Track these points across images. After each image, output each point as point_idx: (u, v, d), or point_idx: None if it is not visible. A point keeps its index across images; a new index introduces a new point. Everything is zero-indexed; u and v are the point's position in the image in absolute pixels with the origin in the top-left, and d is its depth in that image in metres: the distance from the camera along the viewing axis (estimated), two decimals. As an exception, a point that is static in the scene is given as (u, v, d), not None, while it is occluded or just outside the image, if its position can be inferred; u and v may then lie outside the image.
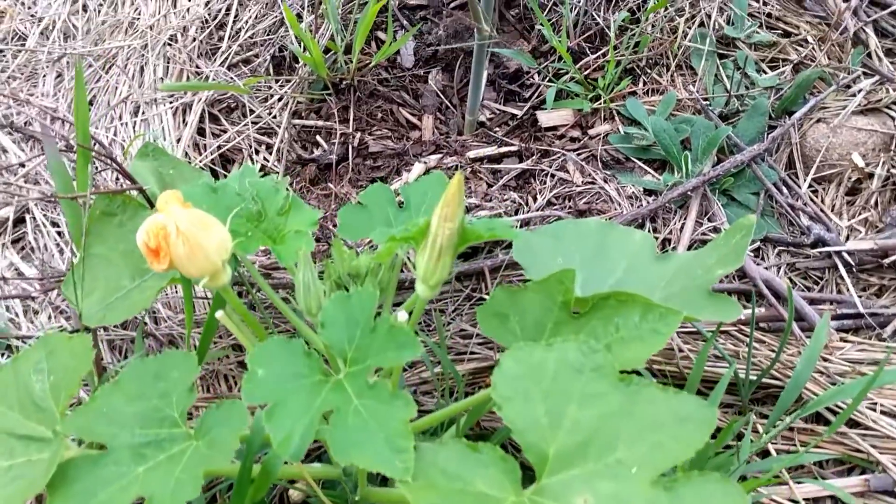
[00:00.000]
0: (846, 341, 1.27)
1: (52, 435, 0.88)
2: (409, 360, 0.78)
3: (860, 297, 1.32)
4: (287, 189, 1.05)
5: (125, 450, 0.82)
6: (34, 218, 1.51)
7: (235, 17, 1.77)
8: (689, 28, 1.69)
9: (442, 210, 0.84)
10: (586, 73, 1.66)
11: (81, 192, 1.08)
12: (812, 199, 1.47)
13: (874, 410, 1.18)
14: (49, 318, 1.37)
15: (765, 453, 1.18)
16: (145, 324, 1.32)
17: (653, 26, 1.70)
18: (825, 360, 1.23)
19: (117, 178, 1.47)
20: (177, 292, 1.36)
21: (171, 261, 0.83)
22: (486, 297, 1.33)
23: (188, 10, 1.75)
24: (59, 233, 1.48)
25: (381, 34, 1.77)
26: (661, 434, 0.75)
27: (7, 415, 0.92)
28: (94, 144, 1.13)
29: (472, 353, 1.28)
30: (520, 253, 1.09)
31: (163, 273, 0.88)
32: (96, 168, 1.48)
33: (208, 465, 0.78)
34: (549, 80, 1.66)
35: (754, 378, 1.20)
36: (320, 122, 1.65)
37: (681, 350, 1.24)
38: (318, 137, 1.64)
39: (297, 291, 0.92)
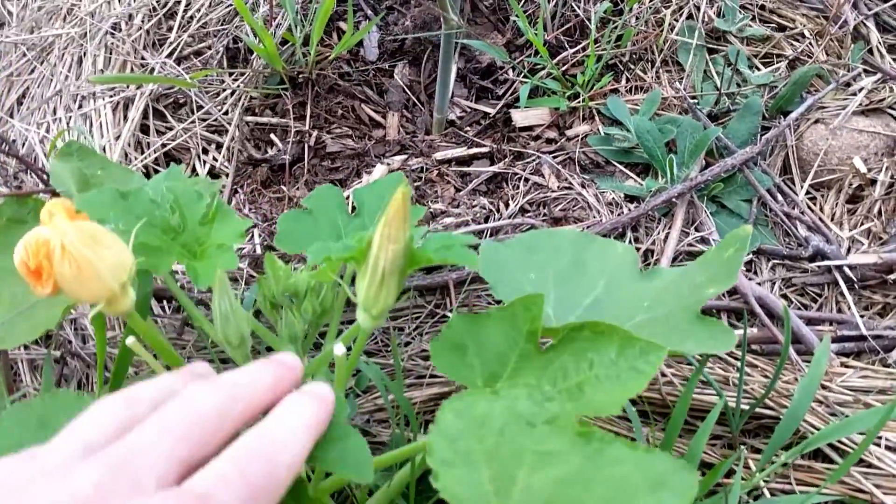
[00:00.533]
0: (847, 366, 1.14)
1: None
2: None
3: (862, 316, 1.20)
4: (215, 195, 0.91)
5: None
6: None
7: (187, 4, 1.63)
8: (677, 20, 1.57)
9: (384, 229, 0.69)
10: (564, 68, 1.53)
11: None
12: (810, 208, 1.34)
13: (878, 446, 1.06)
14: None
15: (755, 492, 1.05)
16: (69, 342, 1.18)
17: (637, 18, 1.58)
18: (825, 387, 1.10)
19: (36, 184, 1.33)
20: (105, 307, 1.23)
21: (56, 284, 0.68)
22: (451, 314, 1.19)
23: (134, -4, 1.61)
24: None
25: (343, 24, 1.63)
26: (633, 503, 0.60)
27: None
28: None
29: (432, 376, 1.15)
30: (487, 267, 0.96)
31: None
32: (5, 170, 1.34)
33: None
34: (525, 77, 1.53)
35: (746, 408, 1.08)
36: (275, 120, 1.51)
37: (664, 375, 1.11)
38: (272, 136, 1.51)
39: (215, 319, 0.78)
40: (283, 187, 1.42)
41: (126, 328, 0.92)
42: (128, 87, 1.49)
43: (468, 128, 1.50)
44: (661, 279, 0.94)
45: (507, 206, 1.32)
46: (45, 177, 1.04)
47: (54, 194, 1.00)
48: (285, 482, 0.50)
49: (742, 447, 1.06)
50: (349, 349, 0.76)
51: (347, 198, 0.99)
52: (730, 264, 0.89)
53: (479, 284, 1.22)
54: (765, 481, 1.05)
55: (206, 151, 1.48)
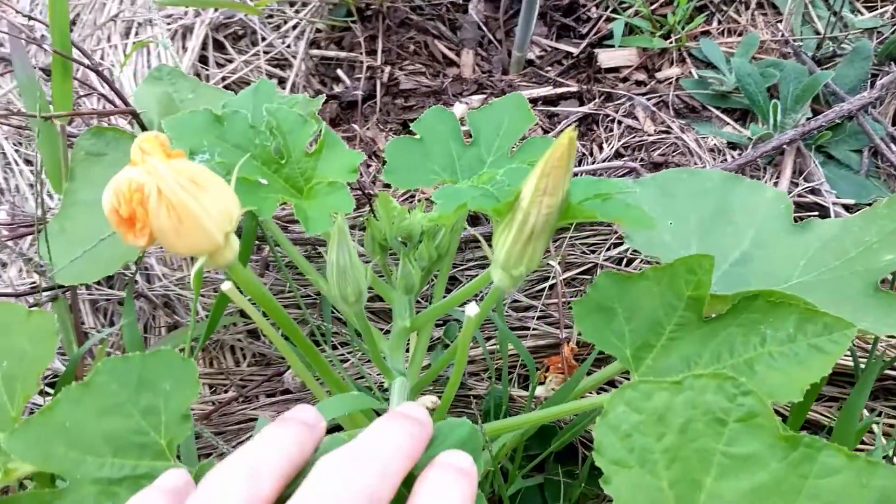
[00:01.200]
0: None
1: None
2: None
3: None
4: (320, 121, 0.81)
5: (90, 486, 0.59)
6: (4, 154, 1.28)
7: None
8: (774, -41, 1.46)
9: (541, 179, 0.58)
10: (653, 7, 1.43)
11: (62, 111, 0.85)
12: (925, 160, 1.25)
13: None
14: (20, 272, 1.14)
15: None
16: (136, 282, 1.10)
17: (731, -45, 1.47)
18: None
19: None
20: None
21: (152, 235, 0.58)
22: (548, 262, 1.11)
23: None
24: (32, 172, 1.25)
25: (414, -46, 1.52)
26: None
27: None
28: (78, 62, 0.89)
29: (523, 328, 1.07)
30: None
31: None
32: (77, 94, 1.24)
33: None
34: (611, 14, 1.43)
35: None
36: (343, 54, 1.42)
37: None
38: (339, 71, 1.41)
39: (329, 274, 0.68)
40: (353, 125, 1.32)
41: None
42: (186, 13, 1.39)
43: (549, 68, 1.40)
44: (817, 233, 0.83)
45: (600, 148, 1.23)
46: (120, 95, 0.95)
47: (134, 116, 0.90)
48: None
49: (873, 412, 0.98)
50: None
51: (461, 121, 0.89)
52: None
53: (577, 232, 1.13)
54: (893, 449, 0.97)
55: (268, 86, 1.38)
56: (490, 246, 0.65)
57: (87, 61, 0.91)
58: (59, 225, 0.88)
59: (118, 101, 0.94)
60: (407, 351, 0.90)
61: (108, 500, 0.58)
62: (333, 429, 0.62)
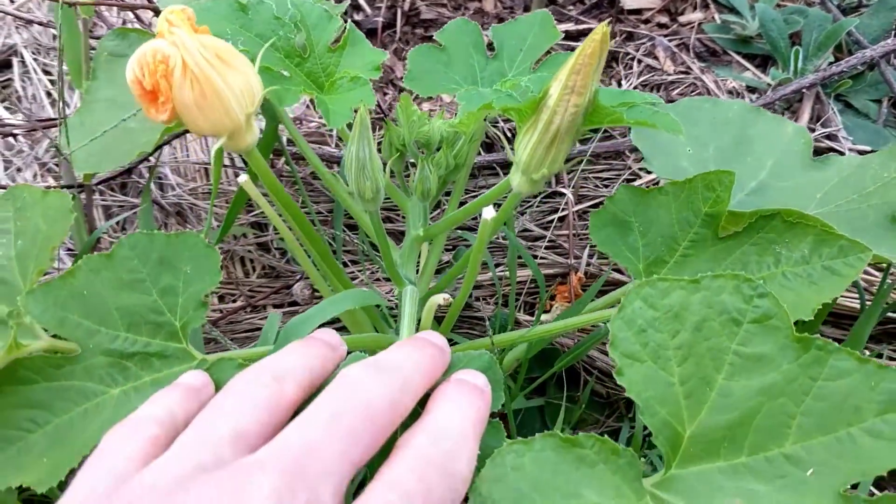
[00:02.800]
0: None
1: (7, 316, 0.64)
2: None
3: None
4: (343, 17, 0.81)
5: (101, 356, 0.60)
6: (23, 62, 1.28)
7: None
8: None
9: (570, 77, 0.57)
10: (679, -51, 1.42)
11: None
12: (944, 113, 1.24)
13: None
14: (35, 176, 1.15)
15: None
16: (150, 190, 1.10)
17: None
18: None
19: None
20: (187, 155, 1.14)
21: (174, 110, 0.57)
22: (560, 191, 1.11)
23: None
24: (51, 81, 1.25)
25: None
26: (853, 425, 0.50)
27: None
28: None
29: (541, 258, 1.08)
30: (640, 136, 0.85)
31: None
32: None
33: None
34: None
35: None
36: (364, -19, 1.41)
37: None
38: (360, -1, 1.40)
39: (347, 167, 0.67)
40: (372, 52, 1.32)
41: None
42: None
43: (571, 7, 1.39)
44: (835, 168, 0.83)
45: (619, 85, 1.22)
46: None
47: (156, 12, 0.90)
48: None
49: (872, 353, 0.99)
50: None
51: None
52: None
53: (591, 165, 1.13)
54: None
55: (287, 11, 1.37)
56: (512, 150, 0.65)
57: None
58: (80, 119, 0.88)
59: None
60: (417, 264, 0.91)
61: (118, 372, 0.59)
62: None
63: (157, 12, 0.90)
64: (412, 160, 0.79)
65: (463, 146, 0.77)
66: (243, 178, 0.70)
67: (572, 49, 1.25)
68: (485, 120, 0.85)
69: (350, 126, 0.67)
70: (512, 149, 0.65)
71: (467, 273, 0.71)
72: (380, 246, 0.75)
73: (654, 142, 0.84)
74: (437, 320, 0.86)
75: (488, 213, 0.62)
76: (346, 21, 0.80)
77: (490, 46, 0.87)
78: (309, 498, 0.37)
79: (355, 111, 0.62)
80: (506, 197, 0.68)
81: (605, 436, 0.51)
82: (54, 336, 0.62)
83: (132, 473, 0.41)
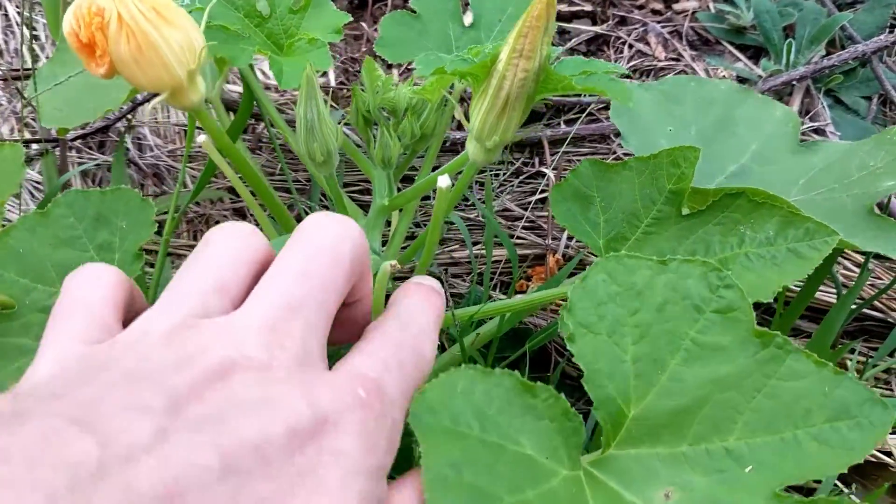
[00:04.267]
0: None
1: None
2: None
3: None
4: None
5: (38, 314, 0.59)
6: (6, 16, 1.26)
7: None
8: None
9: (517, 40, 0.56)
10: (678, -65, 1.40)
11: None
12: (934, 111, 1.23)
13: None
14: (11, 131, 1.13)
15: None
16: (127, 149, 1.09)
17: None
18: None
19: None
20: (168, 116, 1.13)
21: (112, 64, 0.56)
22: (542, 171, 1.10)
23: None
24: (34, 36, 1.23)
25: None
26: (800, 428, 0.49)
27: None
28: None
29: (518, 237, 1.07)
30: (618, 113, 0.83)
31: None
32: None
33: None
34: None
35: (853, 307, 0.99)
36: (357, -49, 1.39)
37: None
38: (352, -30, 1.38)
39: (297, 129, 0.66)
40: (362, 24, 1.31)
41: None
42: None
43: (565, -12, 1.38)
44: (822, 154, 0.81)
45: (608, 69, 1.21)
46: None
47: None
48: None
49: (846, 347, 0.98)
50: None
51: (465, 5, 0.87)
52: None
53: (575, 147, 1.12)
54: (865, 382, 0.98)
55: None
56: (467, 118, 0.63)
57: None
58: (51, 70, 0.86)
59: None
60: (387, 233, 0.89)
61: None
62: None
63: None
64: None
65: (430, 115, 0.76)
66: (202, 137, 0.69)
67: (565, 31, 1.24)
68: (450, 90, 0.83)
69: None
70: (467, 117, 0.63)
71: (426, 244, 0.70)
72: (336, 208, 0.74)
73: (632, 119, 0.82)
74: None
75: (444, 181, 0.60)
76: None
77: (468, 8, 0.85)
78: (301, 354, 0.38)
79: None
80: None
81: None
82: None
83: (115, 326, 0.40)
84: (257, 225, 0.74)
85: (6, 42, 1.23)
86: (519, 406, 0.48)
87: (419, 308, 0.47)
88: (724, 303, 0.52)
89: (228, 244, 0.43)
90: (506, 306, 0.75)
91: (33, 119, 1.13)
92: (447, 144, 1.09)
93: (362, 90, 0.76)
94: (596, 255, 1.04)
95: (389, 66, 1.20)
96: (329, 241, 0.42)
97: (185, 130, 1.10)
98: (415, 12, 0.84)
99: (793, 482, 0.48)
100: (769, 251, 0.63)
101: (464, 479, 0.42)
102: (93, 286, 0.43)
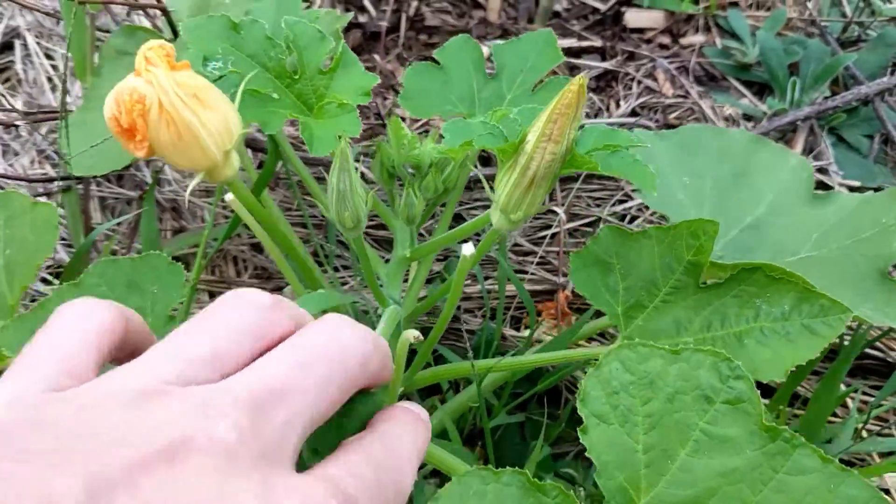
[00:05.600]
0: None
1: None
2: None
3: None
4: (340, 38, 0.79)
5: None
6: (25, 45, 1.28)
7: None
8: (809, -63, 1.46)
9: (547, 125, 0.58)
10: (685, -29, 1.43)
11: None
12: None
13: None
14: (32, 162, 1.15)
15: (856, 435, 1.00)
16: (145, 184, 1.11)
17: (768, -71, 1.46)
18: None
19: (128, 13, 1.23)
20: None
21: (151, 147, 0.58)
22: (552, 210, 1.13)
23: None
24: (53, 66, 1.25)
25: None
26: None
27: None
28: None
29: (520, 271, 1.09)
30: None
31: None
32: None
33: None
34: (642, -26, 1.42)
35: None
36: (370, -17, 1.41)
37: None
38: (364, 1, 1.40)
39: (329, 198, 0.67)
40: (374, 56, 1.33)
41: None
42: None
43: (574, 21, 1.40)
44: (836, 206, 0.83)
45: (617, 105, 1.24)
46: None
47: (164, 12, 0.91)
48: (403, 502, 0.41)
49: (850, 387, 1.01)
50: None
51: (488, 58, 0.89)
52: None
53: (584, 184, 1.14)
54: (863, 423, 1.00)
55: (293, 8, 1.38)
56: (492, 189, 0.65)
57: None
58: (81, 117, 0.89)
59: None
60: (406, 281, 0.92)
61: None
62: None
63: (164, 11, 0.90)
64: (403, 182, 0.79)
65: (452, 171, 0.78)
66: (229, 196, 0.71)
67: (575, 67, 1.27)
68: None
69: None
70: (492, 187, 0.65)
71: (447, 303, 0.71)
72: (363, 268, 0.76)
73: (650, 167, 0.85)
74: (424, 333, 0.87)
75: (467, 249, 0.62)
76: (339, 42, 0.78)
77: (490, 59, 0.87)
78: (275, 448, 0.34)
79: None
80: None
81: (582, 457, 0.52)
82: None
83: (86, 374, 0.36)
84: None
85: (25, 72, 1.25)
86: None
87: (405, 435, 0.43)
88: (734, 394, 0.54)
89: (238, 313, 0.39)
90: (521, 362, 0.77)
91: (54, 152, 1.15)
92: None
93: (386, 144, 0.78)
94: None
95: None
96: (339, 347, 0.39)
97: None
98: (437, 62, 0.85)
99: None
100: (784, 326, 0.64)
101: None
102: (76, 326, 0.38)
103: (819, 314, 0.63)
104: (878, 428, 0.99)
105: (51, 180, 1.00)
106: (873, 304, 0.71)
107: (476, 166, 1.14)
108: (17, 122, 0.99)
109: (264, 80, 0.73)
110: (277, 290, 1.04)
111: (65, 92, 0.81)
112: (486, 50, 1.28)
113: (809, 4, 1.39)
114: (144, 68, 0.56)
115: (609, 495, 0.52)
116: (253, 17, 0.75)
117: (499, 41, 1.32)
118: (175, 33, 0.94)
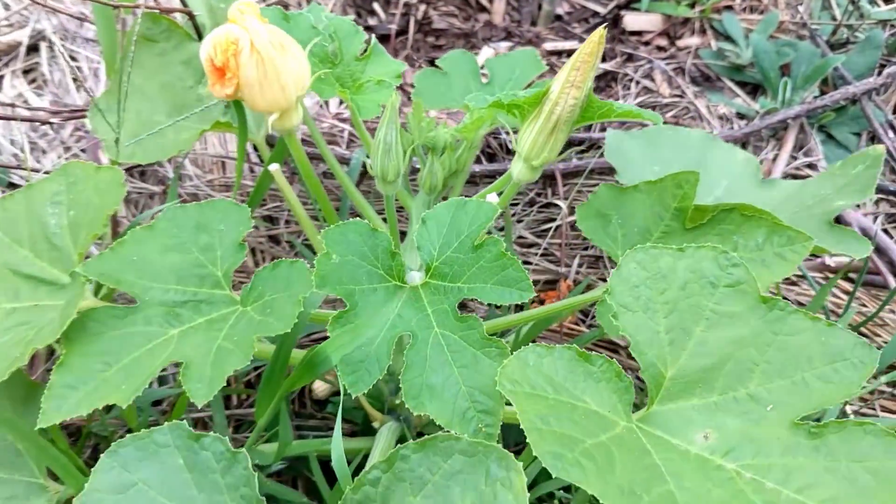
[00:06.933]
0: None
1: (69, 279, 0.75)
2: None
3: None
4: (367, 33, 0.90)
5: (157, 307, 0.70)
6: (51, 47, 1.34)
7: None
8: (801, -56, 1.52)
9: (570, 73, 0.69)
10: (682, -24, 1.49)
11: (131, 3, 0.92)
12: (919, 148, 1.32)
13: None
14: (59, 157, 1.21)
15: (841, 413, 1.06)
16: (168, 179, 1.17)
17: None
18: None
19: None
20: (205, 148, 1.21)
21: (239, 85, 0.68)
22: (554, 203, 1.19)
23: None
24: (77, 67, 1.31)
25: None
26: (806, 371, 0.63)
27: (14, 249, 0.79)
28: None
29: (527, 262, 1.15)
30: (612, 153, 0.98)
31: (210, 109, 0.72)
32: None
33: (263, 330, 0.65)
34: (639, -20, 1.48)
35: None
36: (380, -13, 1.47)
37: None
38: (375, 4, 1.47)
39: (374, 151, 0.78)
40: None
41: (273, 154, 0.91)
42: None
43: (576, 24, 1.47)
44: (781, 189, 0.95)
45: (616, 105, 1.30)
46: None
47: (190, 16, 0.97)
48: None
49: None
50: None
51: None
52: (864, 179, 0.89)
53: (585, 179, 1.20)
54: (849, 404, 1.06)
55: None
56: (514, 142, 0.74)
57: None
58: (107, 103, 0.94)
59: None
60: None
61: (173, 318, 0.69)
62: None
63: (190, 15, 0.96)
64: (415, 166, 0.87)
65: (464, 151, 0.87)
66: (274, 166, 0.79)
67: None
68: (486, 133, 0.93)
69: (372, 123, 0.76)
70: (513, 141, 0.76)
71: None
72: (389, 223, 0.84)
73: (625, 158, 0.97)
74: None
75: (492, 198, 0.74)
76: (370, 35, 0.89)
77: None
78: None
79: (382, 106, 0.76)
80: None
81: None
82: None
83: None
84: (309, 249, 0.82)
85: (51, 73, 1.31)
86: (580, 373, 0.62)
87: None
88: (734, 278, 0.66)
89: None
90: (543, 311, 0.84)
91: (82, 150, 1.21)
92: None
93: (405, 130, 0.86)
94: (604, 281, 1.14)
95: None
96: None
97: (223, 161, 1.18)
98: (441, 69, 1.00)
99: (805, 413, 0.61)
100: (759, 255, 0.76)
101: (552, 428, 0.55)
102: None
103: (787, 243, 0.75)
104: (864, 410, 1.04)
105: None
106: (827, 242, 0.82)
107: (482, 161, 1.20)
108: (52, 120, 1.05)
109: (313, 62, 0.86)
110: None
111: (123, 98, 0.86)
112: (489, 52, 1.35)
113: (801, 8, 1.45)
114: (240, 16, 0.66)
115: (644, 368, 0.63)
116: (300, 11, 0.87)
117: (503, 43, 1.39)
118: (199, 35, 0.99)
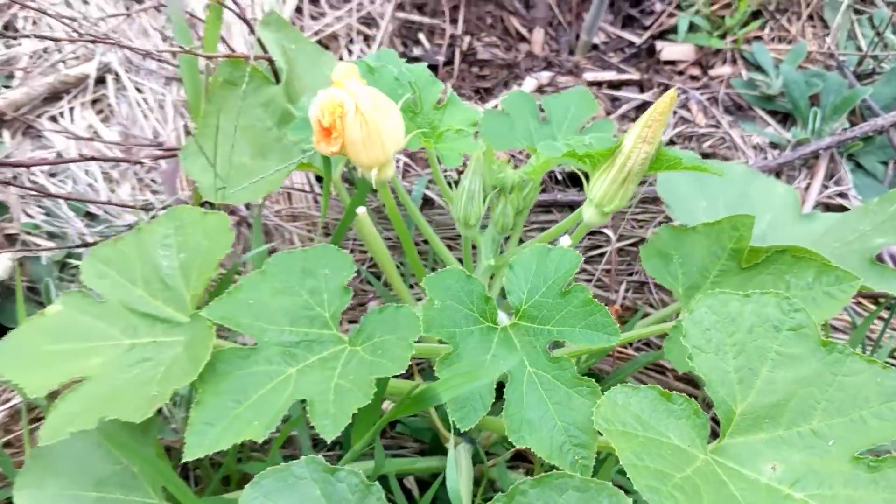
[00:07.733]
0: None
1: (184, 317, 0.83)
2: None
3: None
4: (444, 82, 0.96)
5: (274, 347, 0.77)
6: (117, 79, 1.40)
7: None
8: (828, -24, 1.58)
9: (643, 130, 0.77)
10: (713, 8, 1.56)
11: (210, 52, 0.98)
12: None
13: None
14: (132, 188, 1.28)
15: None
16: (240, 209, 1.24)
17: (789, -31, 1.59)
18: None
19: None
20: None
21: (343, 144, 0.76)
22: (602, 231, 1.25)
23: None
24: (143, 99, 1.38)
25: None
26: (864, 410, 0.70)
27: (128, 288, 0.86)
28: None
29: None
30: (662, 187, 1.06)
31: (291, 150, 0.79)
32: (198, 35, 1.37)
33: (378, 371, 0.72)
34: (673, 10, 1.55)
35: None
36: (425, 20, 1.54)
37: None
38: (420, 35, 1.54)
39: (458, 198, 0.87)
40: (432, 88, 1.45)
41: (354, 198, 0.98)
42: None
43: (612, 54, 1.54)
44: (821, 222, 1.02)
45: (656, 135, 1.37)
46: (262, 43, 1.07)
47: (270, 62, 1.03)
48: None
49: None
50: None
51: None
52: (899, 219, 0.95)
53: (628, 208, 1.27)
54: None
55: (352, 42, 1.51)
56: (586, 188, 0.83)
57: (235, 8, 1.03)
58: (195, 146, 1.01)
59: (261, 46, 1.08)
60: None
61: (289, 357, 0.76)
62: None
63: (270, 61, 1.03)
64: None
65: (531, 190, 0.94)
66: (361, 210, 0.86)
67: (616, 98, 1.39)
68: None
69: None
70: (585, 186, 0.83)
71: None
72: (465, 263, 0.91)
73: (674, 193, 1.05)
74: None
75: (565, 240, 0.82)
76: (446, 84, 0.95)
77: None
78: None
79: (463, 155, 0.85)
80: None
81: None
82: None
83: None
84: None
85: (118, 104, 1.37)
86: (663, 410, 0.69)
87: None
88: (796, 322, 0.73)
89: None
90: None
91: (153, 181, 1.28)
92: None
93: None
94: (653, 308, 1.21)
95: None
96: None
97: (289, 193, 1.25)
98: (505, 111, 1.06)
99: (864, 449, 0.69)
100: (810, 294, 0.83)
101: (646, 464, 0.62)
102: None
103: (835, 283, 0.81)
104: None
105: (156, 208, 1.13)
106: (870, 281, 0.89)
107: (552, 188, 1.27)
108: (143, 160, 1.11)
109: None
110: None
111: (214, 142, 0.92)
112: (532, 83, 1.41)
113: (827, 39, 1.52)
114: (344, 81, 0.74)
115: (717, 405, 0.70)
116: (383, 64, 0.94)
117: (544, 73, 1.45)
118: (277, 79, 1.06)
